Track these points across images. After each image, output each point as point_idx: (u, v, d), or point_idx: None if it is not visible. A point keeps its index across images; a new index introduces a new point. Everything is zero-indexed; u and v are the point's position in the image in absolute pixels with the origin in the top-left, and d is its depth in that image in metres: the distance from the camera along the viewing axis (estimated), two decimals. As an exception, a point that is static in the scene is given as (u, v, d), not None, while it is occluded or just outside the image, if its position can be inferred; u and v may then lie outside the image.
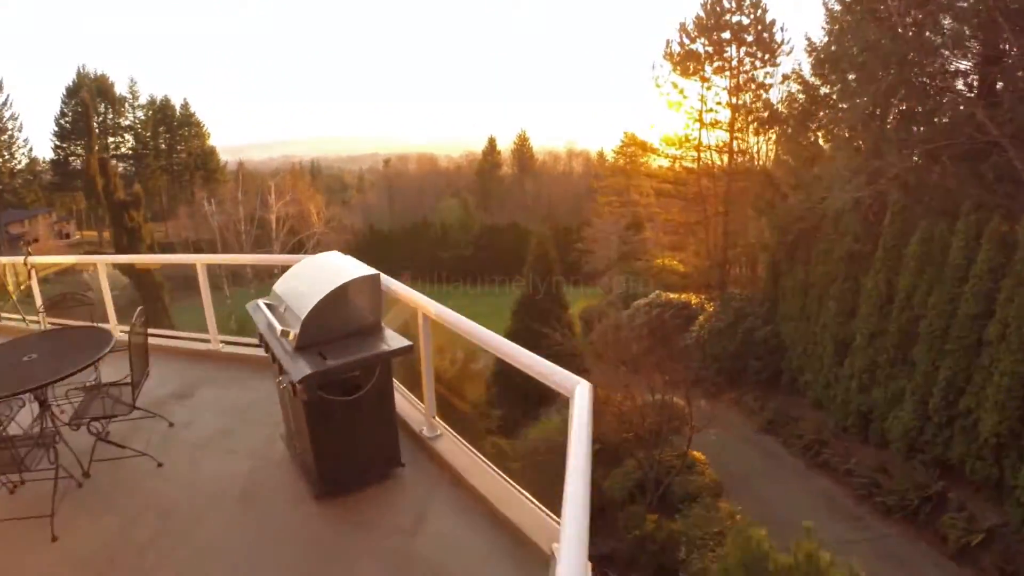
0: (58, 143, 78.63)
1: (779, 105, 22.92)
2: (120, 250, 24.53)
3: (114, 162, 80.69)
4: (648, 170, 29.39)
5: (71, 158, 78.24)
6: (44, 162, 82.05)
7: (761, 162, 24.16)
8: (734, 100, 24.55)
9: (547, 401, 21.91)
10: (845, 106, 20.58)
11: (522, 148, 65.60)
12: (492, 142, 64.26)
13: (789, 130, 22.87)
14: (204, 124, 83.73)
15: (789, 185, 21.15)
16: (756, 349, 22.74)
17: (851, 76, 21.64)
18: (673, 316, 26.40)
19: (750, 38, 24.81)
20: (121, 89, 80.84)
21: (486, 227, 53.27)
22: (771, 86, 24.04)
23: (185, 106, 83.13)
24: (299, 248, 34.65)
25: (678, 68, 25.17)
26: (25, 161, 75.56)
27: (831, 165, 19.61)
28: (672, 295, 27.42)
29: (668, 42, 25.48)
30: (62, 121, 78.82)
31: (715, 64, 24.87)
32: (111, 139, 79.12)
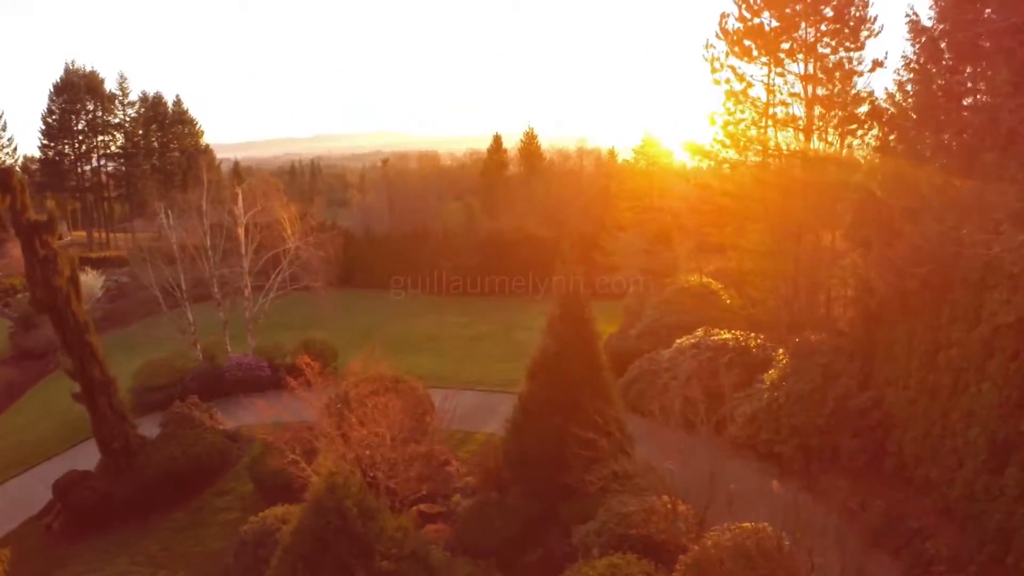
0: (46, 142, 72.72)
1: (882, 99, 16.75)
2: (33, 285, 18.42)
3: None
4: (698, 178, 22.83)
5: (60, 157, 72.34)
6: (32, 160, 76.27)
7: (854, 173, 17.93)
8: (810, 90, 18.23)
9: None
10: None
11: (530, 146, 59.21)
12: (498, 140, 57.86)
13: (892, 135, 16.66)
14: (198, 122, 77.65)
15: (903, 210, 14.94)
16: (852, 423, 16.68)
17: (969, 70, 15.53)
18: (729, 364, 20.30)
19: (829, 12, 18.61)
20: (111, 86, 74.79)
21: (492, 233, 47.12)
22: (861, 73, 17.88)
23: (178, 103, 76.97)
24: (275, 266, 28.49)
25: (737, 48, 18.86)
26: (9, 161, 69.55)
27: (980, 187, 13.41)
28: (725, 334, 21.30)
29: (724, 15, 19.19)
30: (49, 119, 72.79)
31: (784, 45, 18.65)
32: (100, 138, 73.12)
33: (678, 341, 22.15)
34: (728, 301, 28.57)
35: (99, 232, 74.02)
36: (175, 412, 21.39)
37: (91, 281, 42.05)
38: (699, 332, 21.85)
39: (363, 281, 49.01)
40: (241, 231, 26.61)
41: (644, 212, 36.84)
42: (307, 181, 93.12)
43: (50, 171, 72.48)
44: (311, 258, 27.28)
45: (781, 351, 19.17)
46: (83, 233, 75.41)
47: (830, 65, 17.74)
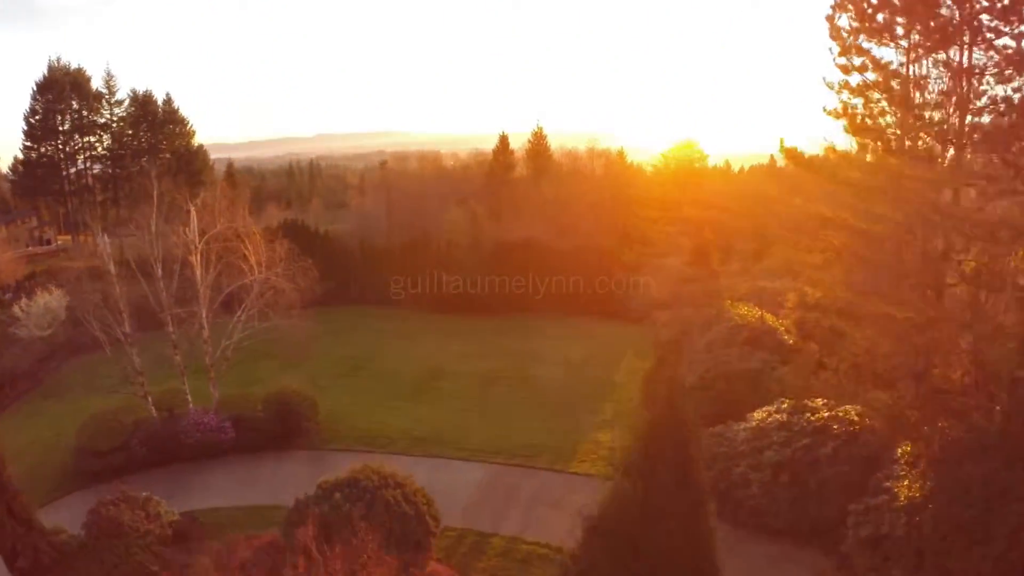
0: (29, 143, 66.45)
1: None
2: None
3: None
4: (799, 195, 16.26)
5: (44, 159, 66.15)
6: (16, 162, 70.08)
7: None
8: (965, 88, 12.31)
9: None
10: None
11: (538, 147, 53.11)
12: (504, 141, 51.79)
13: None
14: (190, 122, 71.18)
15: None
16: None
17: None
18: (834, 457, 14.62)
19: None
20: (98, 84, 68.33)
21: (499, 244, 41.24)
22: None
23: (168, 102, 70.45)
24: (236, 304, 22.54)
25: (868, 24, 12.66)
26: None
27: None
28: (823, 410, 15.59)
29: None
30: (32, 119, 66.46)
31: (922, 25, 12.76)
32: (86, 138, 66.74)
33: (757, 416, 16.43)
34: (789, 339, 22.95)
35: (85, 237, 67.99)
36: (99, 514, 15.65)
37: (54, 303, 36.04)
38: (785, 404, 16.14)
39: (359, 296, 43.18)
40: (196, 259, 20.73)
41: (673, 224, 31.03)
42: (305, 183, 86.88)
43: (33, 174, 66.36)
44: (282, 290, 21.26)
45: (908, 447, 13.47)
46: (68, 237, 69.56)
47: (996, 55, 11.78)
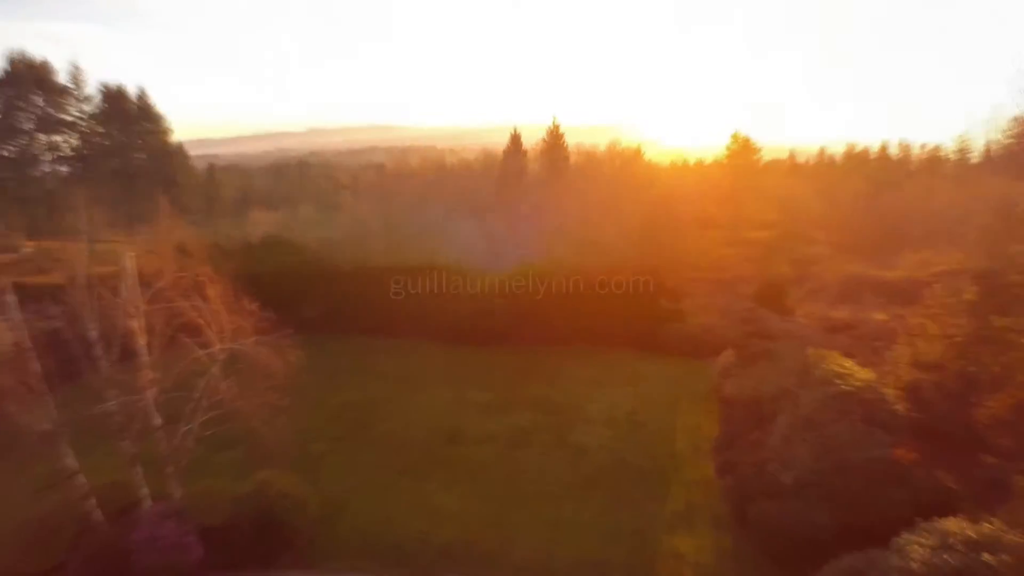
0: (-15, 144, 60.73)
1: None
2: None
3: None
4: None
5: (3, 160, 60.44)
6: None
7: None
8: None
9: None
10: None
11: (554, 146, 47.88)
12: (516, 141, 46.46)
13: None
14: (165, 118, 65.48)
15: None
16: None
17: None
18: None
19: None
20: (64, 78, 62.43)
21: (518, 265, 36.27)
22: None
23: (142, 97, 64.69)
24: (198, 372, 17.37)
25: None
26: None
27: None
28: (1001, 540, 10.99)
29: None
30: (-10, 117, 60.74)
31: None
32: (51, 137, 61.03)
33: (917, 551, 11.74)
34: (899, 407, 18.30)
35: (53, 242, 62.47)
36: None
37: (-1, 339, 30.63)
38: (955, 530, 11.57)
39: (355, 323, 38.05)
40: (137, 325, 15.66)
41: (733, 246, 26.23)
42: (295, 183, 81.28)
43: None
44: (256, 362, 16.11)
45: None
46: (35, 244, 63.90)
47: None
